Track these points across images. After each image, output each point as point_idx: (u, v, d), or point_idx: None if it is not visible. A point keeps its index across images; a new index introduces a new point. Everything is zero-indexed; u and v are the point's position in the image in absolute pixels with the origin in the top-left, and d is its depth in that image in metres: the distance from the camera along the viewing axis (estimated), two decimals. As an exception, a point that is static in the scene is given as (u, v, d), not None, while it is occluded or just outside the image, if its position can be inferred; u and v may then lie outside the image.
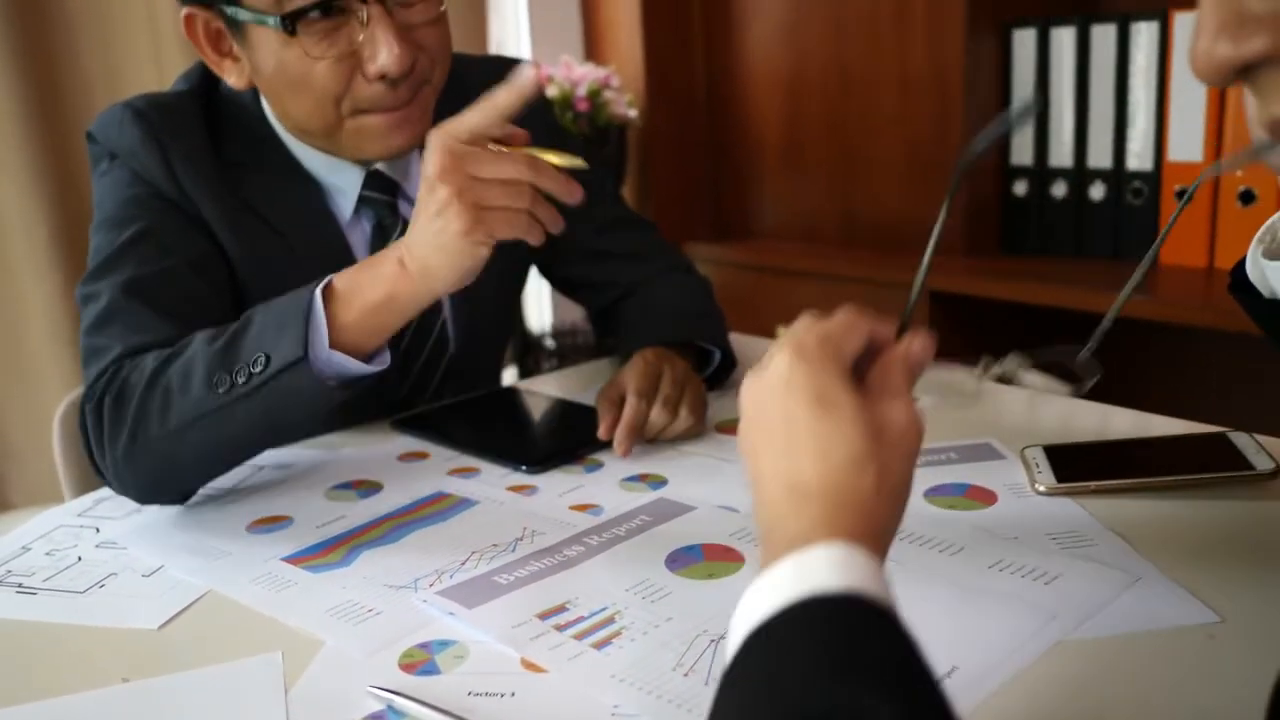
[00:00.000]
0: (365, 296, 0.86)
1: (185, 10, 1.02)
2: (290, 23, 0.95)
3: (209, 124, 1.08)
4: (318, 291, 0.86)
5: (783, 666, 0.44)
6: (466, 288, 1.17)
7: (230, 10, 0.98)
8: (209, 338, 0.89)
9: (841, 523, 0.50)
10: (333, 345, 0.85)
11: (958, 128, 1.92)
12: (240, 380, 0.85)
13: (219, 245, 1.06)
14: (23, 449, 1.84)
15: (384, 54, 0.97)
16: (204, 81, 1.11)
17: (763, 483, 0.54)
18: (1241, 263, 0.70)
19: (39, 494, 1.84)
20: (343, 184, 1.11)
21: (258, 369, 0.84)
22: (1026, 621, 0.67)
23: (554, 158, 0.85)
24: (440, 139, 0.83)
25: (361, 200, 1.11)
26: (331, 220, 1.11)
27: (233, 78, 1.05)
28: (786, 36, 2.18)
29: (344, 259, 1.07)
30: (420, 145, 1.04)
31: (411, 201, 1.13)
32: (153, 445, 0.88)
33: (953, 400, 1.09)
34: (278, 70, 0.99)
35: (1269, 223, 0.69)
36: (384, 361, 0.90)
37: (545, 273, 1.33)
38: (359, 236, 1.13)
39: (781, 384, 0.54)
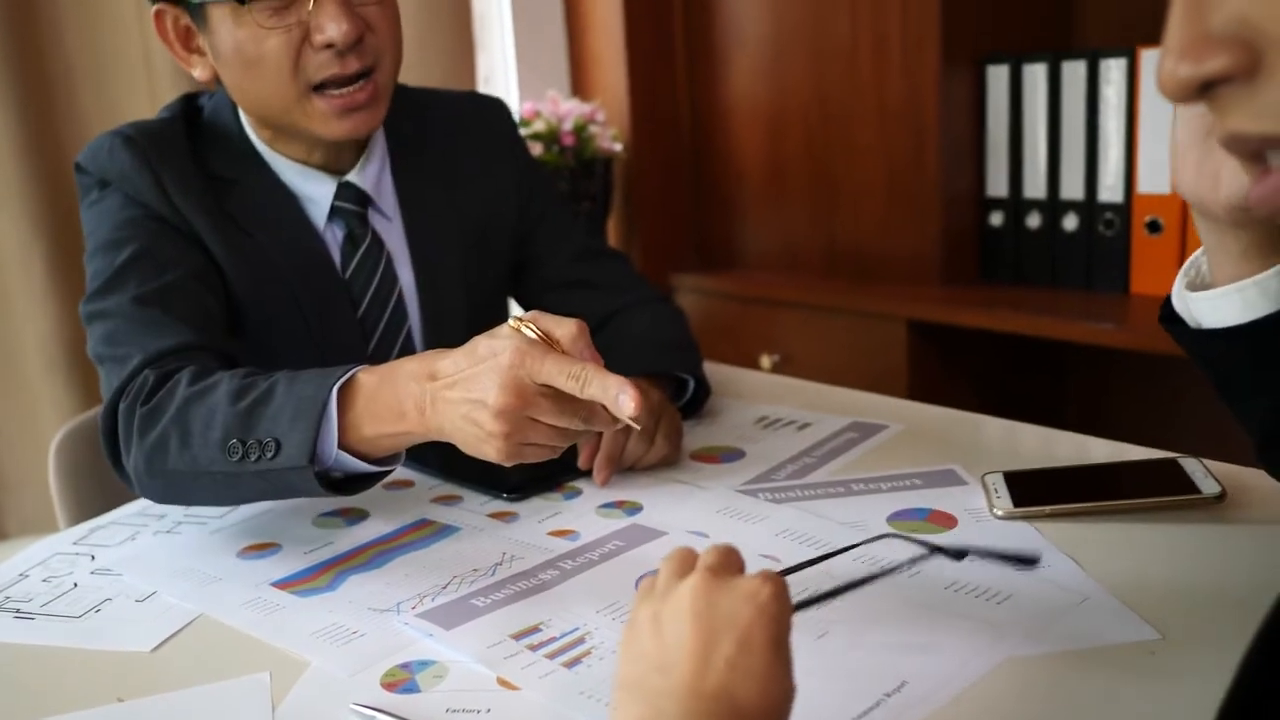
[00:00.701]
0: (380, 425, 0.85)
1: (155, 8, 1.10)
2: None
3: (194, 145, 1.14)
4: (334, 394, 0.85)
5: None
6: (441, 330, 1.23)
7: (188, 2, 1.06)
8: (233, 393, 0.90)
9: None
10: (343, 445, 0.86)
11: (934, 159, 1.97)
12: (252, 457, 0.86)
13: (211, 258, 1.11)
14: (18, 479, 1.86)
15: (330, 26, 1.04)
16: (186, 109, 1.18)
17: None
18: (1170, 296, 0.74)
19: (33, 523, 1.86)
20: (316, 195, 1.17)
21: (269, 454, 0.85)
22: (977, 638, 0.71)
23: (624, 404, 0.78)
24: (514, 374, 0.78)
25: (334, 210, 1.18)
26: (308, 228, 1.17)
27: (198, 70, 1.12)
28: (768, 71, 2.23)
29: (322, 264, 1.16)
30: (360, 145, 1.17)
31: (382, 213, 1.21)
32: (169, 470, 0.91)
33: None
34: (235, 51, 1.06)
35: (1193, 257, 0.73)
36: (395, 463, 0.90)
37: (521, 301, 1.38)
38: (333, 244, 1.19)
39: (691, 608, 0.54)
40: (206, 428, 0.89)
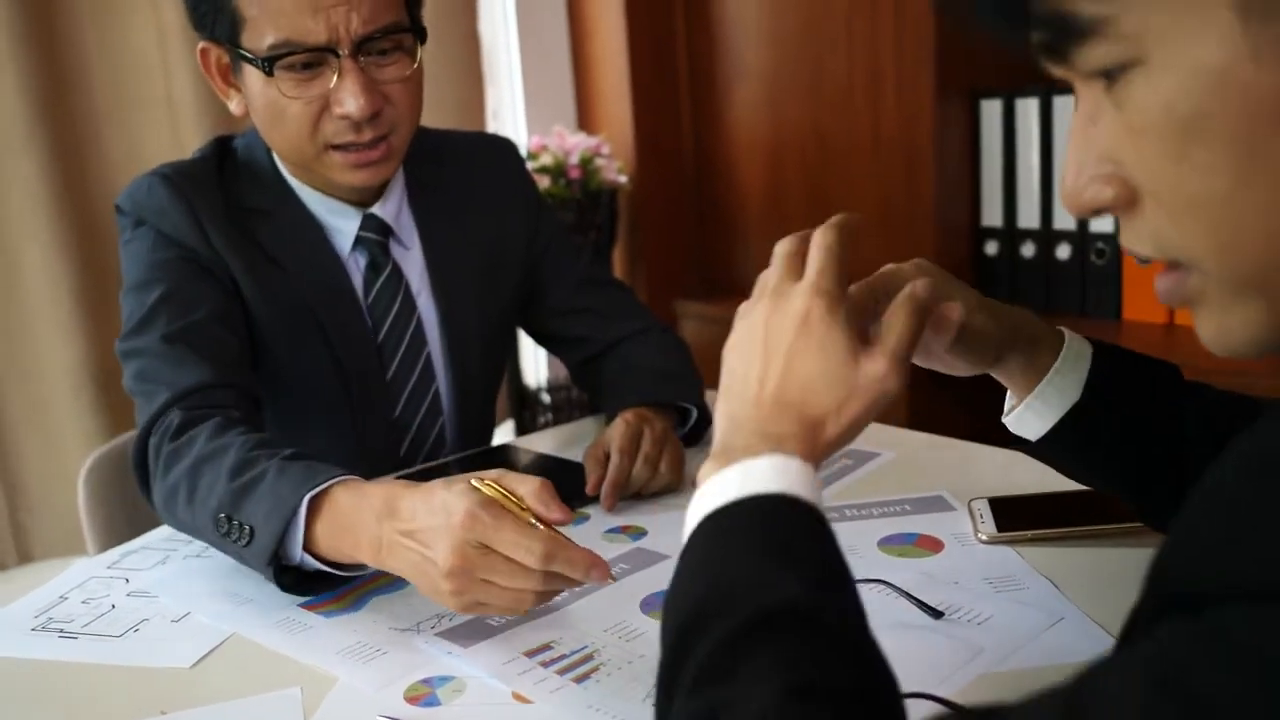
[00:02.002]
0: (339, 548, 0.88)
1: (201, 44, 1.17)
2: (269, 65, 1.10)
3: (227, 181, 1.22)
4: (304, 503, 0.88)
5: (718, 546, 0.57)
6: (458, 356, 1.30)
7: (231, 48, 1.13)
8: (235, 467, 0.94)
9: (793, 435, 0.62)
10: (307, 549, 0.89)
11: (929, 190, 2.03)
12: (232, 536, 0.92)
13: (236, 292, 1.18)
14: (44, 503, 1.93)
15: (350, 102, 1.11)
16: (218, 149, 1.26)
17: (748, 385, 0.65)
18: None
19: (58, 546, 1.92)
20: (342, 225, 1.25)
21: (244, 540, 0.90)
22: (956, 655, 0.76)
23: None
24: (463, 537, 0.77)
25: (358, 240, 1.25)
26: (333, 257, 1.24)
27: (234, 105, 1.20)
28: (768, 104, 2.30)
29: (345, 291, 1.23)
30: (385, 185, 1.24)
31: (401, 244, 1.28)
32: (179, 517, 1.00)
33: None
34: (263, 104, 1.14)
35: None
36: (359, 571, 0.92)
37: (527, 329, 1.45)
38: (356, 271, 1.26)
39: (798, 318, 0.64)
40: (208, 494, 0.95)
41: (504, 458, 1.30)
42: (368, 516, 0.85)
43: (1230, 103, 0.43)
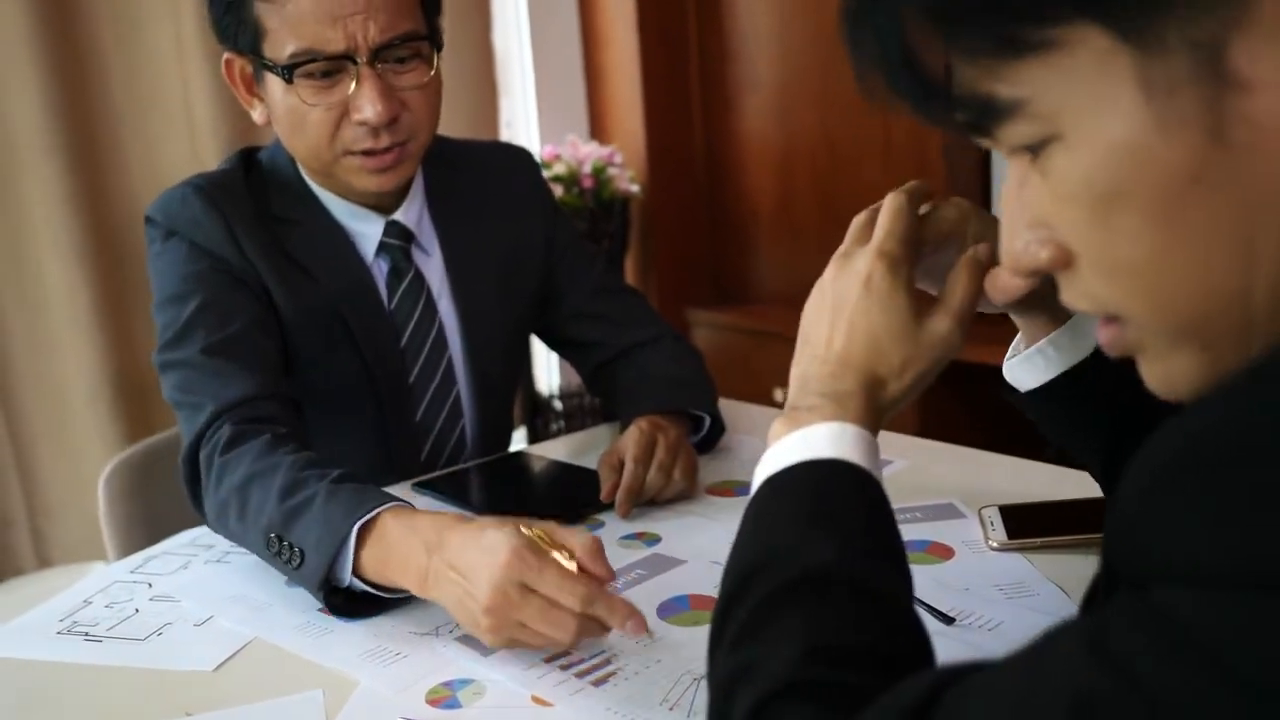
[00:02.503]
0: (385, 575, 0.89)
1: (225, 56, 1.20)
2: (289, 73, 1.12)
3: (254, 191, 1.24)
4: (354, 531, 0.90)
5: (768, 511, 0.61)
6: (479, 359, 1.31)
7: (253, 58, 1.15)
8: (285, 489, 0.97)
9: (855, 393, 0.66)
10: (356, 573, 0.91)
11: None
12: (284, 557, 0.94)
13: (268, 300, 1.20)
14: (62, 508, 1.95)
15: (368, 108, 1.13)
16: (243, 160, 1.28)
17: (816, 347, 0.69)
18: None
19: (76, 551, 1.95)
20: (366, 231, 1.27)
21: (295, 562, 0.93)
22: (964, 661, 0.77)
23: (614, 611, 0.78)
24: (506, 577, 0.79)
25: (381, 245, 1.27)
26: (359, 262, 1.26)
27: (257, 113, 1.22)
28: (778, 114, 2.32)
29: (370, 295, 1.25)
30: (404, 189, 1.26)
31: (423, 249, 1.31)
32: (230, 529, 1.02)
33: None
34: (284, 112, 1.16)
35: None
36: (400, 594, 0.92)
37: (542, 334, 1.47)
38: (379, 277, 1.28)
39: (861, 278, 0.68)
40: (258, 513, 0.97)
41: (519, 464, 1.32)
42: (416, 547, 0.86)
43: (1143, 175, 0.45)
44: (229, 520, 1.01)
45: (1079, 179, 0.47)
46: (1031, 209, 0.51)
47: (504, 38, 2.42)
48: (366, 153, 1.17)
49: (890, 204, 0.70)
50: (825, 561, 0.56)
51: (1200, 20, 0.42)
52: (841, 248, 0.72)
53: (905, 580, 0.59)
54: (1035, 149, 0.48)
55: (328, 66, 1.12)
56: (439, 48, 1.20)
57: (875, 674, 0.50)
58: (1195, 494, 0.39)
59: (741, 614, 0.56)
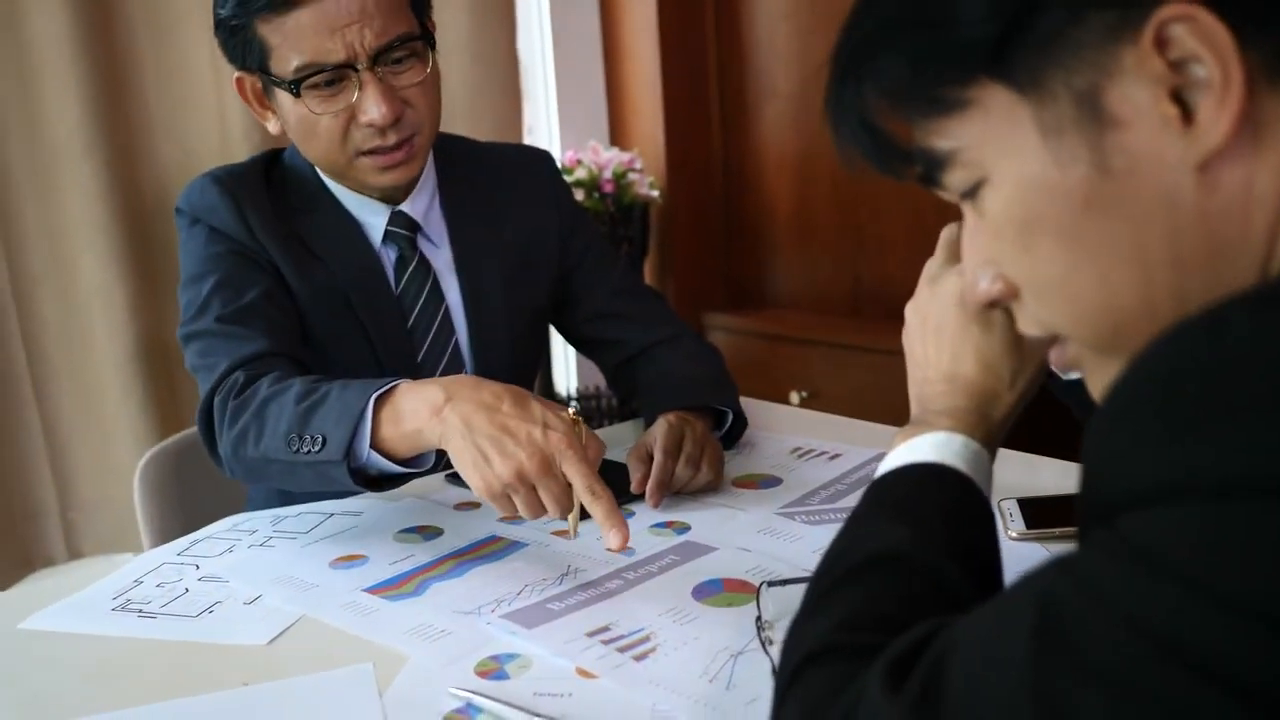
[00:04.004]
0: (402, 425, 1.00)
1: (236, 75, 1.27)
2: (295, 87, 1.19)
3: (273, 184, 1.33)
4: (371, 402, 1.01)
5: (866, 507, 0.67)
6: (485, 346, 1.37)
7: (262, 75, 1.22)
8: (300, 395, 1.07)
9: (965, 409, 0.71)
10: (374, 447, 1.01)
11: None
12: (305, 449, 1.03)
13: (281, 279, 1.28)
14: (94, 501, 1.99)
15: (373, 110, 1.20)
16: (265, 157, 1.37)
17: (925, 369, 0.76)
18: None
19: (108, 542, 1.99)
20: (373, 220, 1.34)
21: (316, 447, 1.02)
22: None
23: (572, 519, 0.97)
24: (552, 453, 0.92)
25: (387, 234, 1.34)
26: (368, 249, 1.34)
27: (271, 125, 1.29)
28: (796, 120, 2.36)
29: (378, 279, 1.33)
30: (413, 184, 1.33)
31: (429, 240, 1.37)
32: (248, 457, 1.09)
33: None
34: (295, 121, 1.24)
35: None
36: (423, 464, 1.05)
37: (562, 331, 1.51)
38: (387, 263, 1.35)
39: (954, 299, 0.75)
40: (276, 424, 1.06)
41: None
42: (432, 389, 0.98)
43: (1048, 204, 0.53)
44: (246, 449, 1.08)
45: (1003, 213, 0.55)
46: (980, 250, 0.60)
47: (528, 46, 2.47)
48: (377, 151, 1.23)
49: None
50: (894, 546, 0.61)
51: (1079, 72, 0.50)
52: (929, 266, 0.78)
53: (976, 574, 0.62)
54: (972, 193, 0.57)
55: (331, 76, 1.19)
56: (432, 45, 1.26)
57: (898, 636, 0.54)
58: (1137, 426, 0.44)
59: (816, 593, 0.62)
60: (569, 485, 0.93)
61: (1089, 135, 0.51)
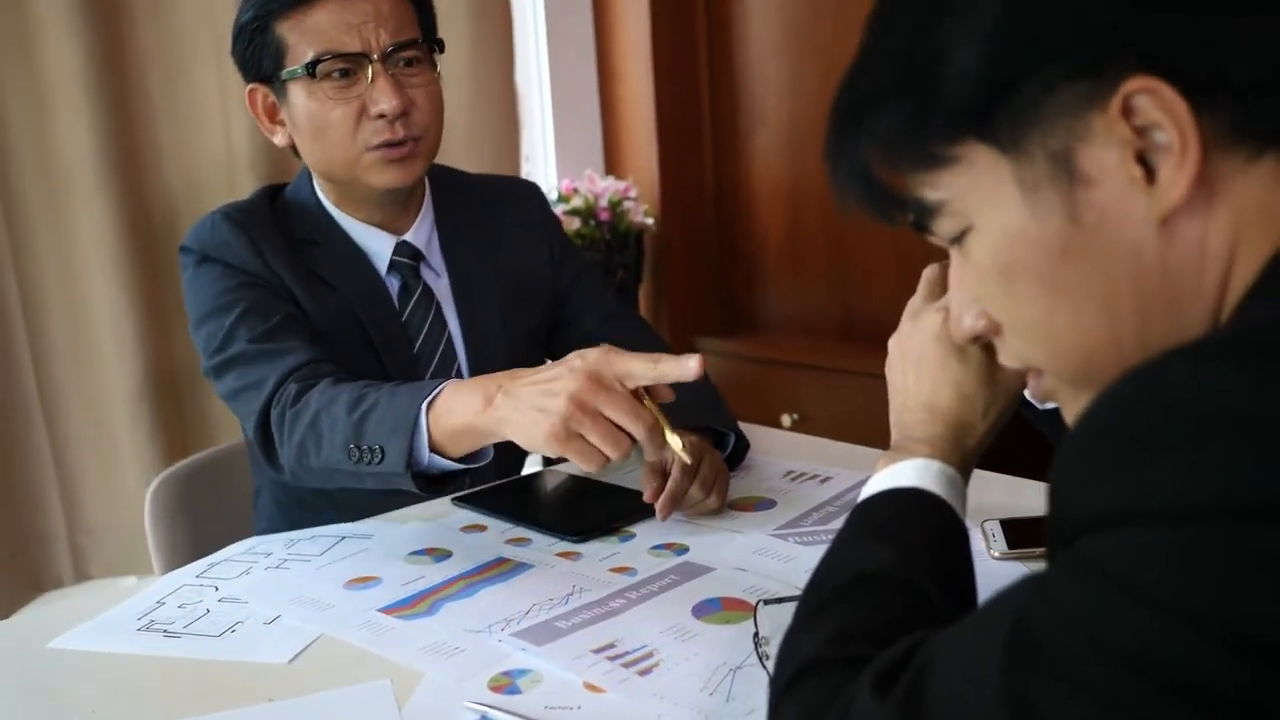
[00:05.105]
0: (452, 419, 1.06)
1: (249, 87, 1.34)
2: (311, 69, 1.26)
3: (279, 216, 1.38)
4: (424, 406, 1.07)
5: (850, 529, 0.73)
6: (484, 369, 1.43)
7: (276, 79, 1.29)
8: (350, 404, 1.12)
9: (942, 438, 0.77)
10: (432, 449, 1.07)
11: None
12: (365, 460, 1.09)
13: (299, 306, 1.34)
14: (103, 524, 2.03)
15: (383, 100, 1.28)
16: (268, 192, 1.43)
17: (905, 398, 0.81)
18: None
19: (116, 565, 2.03)
20: (378, 249, 1.41)
21: (376, 458, 1.08)
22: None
23: (672, 437, 0.97)
24: (597, 367, 0.96)
25: (392, 264, 1.41)
26: (374, 277, 1.40)
27: (279, 138, 1.36)
28: (787, 150, 2.42)
29: (385, 306, 1.39)
30: (414, 192, 1.40)
31: (432, 269, 1.44)
32: (313, 467, 1.15)
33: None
34: (308, 118, 1.30)
35: None
36: (482, 458, 1.11)
37: (555, 355, 1.56)
38: (394, 290, 1.42)
39: (933, 334, 0.80)
40: (332, 433, 1.12)
41: (553, 480, 1.40)
42: (483, 384, 1.03)
43: (1027, 251, 0.59)
44: (308, 459, 1.13)
45: (987, 259, 0.61)
46: (966, 290, 0.66)
47: (526, 78, 2.53)
48: (385, 145, 1.29)
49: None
50: (879, 566, 0.67)
51: (1055, 135, 0.56)
52: (912, 303, 0.83)
53: (954, 593, 0.68)
54: (959, 239, 0.63)
55: (346, 65, 1.27)
56: (440, 49, 1.35)
57: (885, 650, 0.59)
58: (1099, 456, 0.49)
59: (806, 609, 0.68)
60: (632, 396, 0.96)
61: (1063, 191, 0.57)
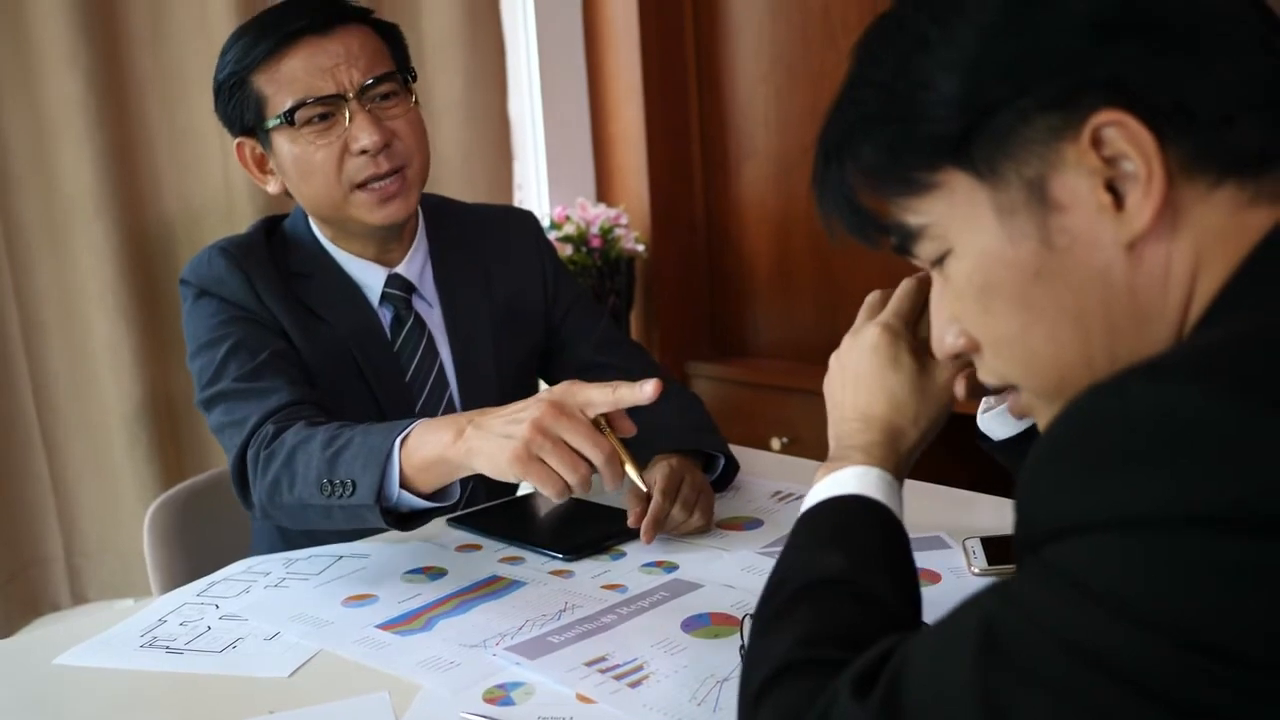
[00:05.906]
0: (423, 453, 1.07)
1: (236, 141, 1.38)
2: (291, 116, 1.30)
3: (275, 251, 1.41)
4: (396, 442, 1.09)
5: (799, 537, 0.76)
6: (475, 398, 1.46)
7: (260, 130, 1.33)
8: (325, 442, 1.14)
9: (878, 444, 0.80)
10: (403, 486, 1.09)
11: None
12: (337, 494, 1.11)
13: (288, 339, 1.36)
14: (99, 547, 2.05)
15: (363, 136, 1.31)
16: (265, 226, 1.46)
17: (842, 409, 0.85)
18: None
19: (112, 588, 2.04)
20: (370, 282, 1.44)
21: (348, 492, 1.10)
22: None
23: (630, 468, 1.01)
24: (558, 396, 1.00)
25: (384, 296, 1.44)
26: (367, 309, 1.43)
27: (271, 186, 1.40)
28: (776, 178, 2.46)
29: (377, 337, 1.42)
30: (407, 224, 1.42)
31: (424, 300, 1.47)
32: (284, 504, 1.17)
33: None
34: (294, 163, 1.33)
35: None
36: (449, 497, 1.13)
37: (550, 382, 1.59)
38: (385, 322, 1.45)
39: (870, 347, 0.84)
40: (306, 469, 1.14)
41: (533, 504, 1.43)
42: (451, 420, 1.06)
43: (1003, 273, 0.62)
44: (280, 497, 1.15)
45: (966, 280, 0.65)
46: (947, 309, 0.69)
47: (518, 108, 2.58)
48: (371, 180, 1.33)
49: (902, 289, 0.86)
50: (834, 571, 0.70)
51: (1029, 164, 0.60)
52: (854, 325, 0.87)
53: (904, 593, 0.71)
54: (940, 261, 0.66)
55: (324, 109, 1.30)
56: (413, 79, 1.39)
57: (858, 652, 0.62)
58: (1060, 469, 0.52)
59: (766, 614, 0.70)
60: (591, 425, 0.99)
61: (1037, 216, 0.61)
